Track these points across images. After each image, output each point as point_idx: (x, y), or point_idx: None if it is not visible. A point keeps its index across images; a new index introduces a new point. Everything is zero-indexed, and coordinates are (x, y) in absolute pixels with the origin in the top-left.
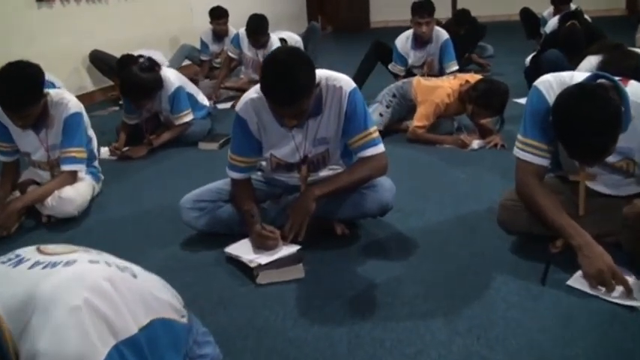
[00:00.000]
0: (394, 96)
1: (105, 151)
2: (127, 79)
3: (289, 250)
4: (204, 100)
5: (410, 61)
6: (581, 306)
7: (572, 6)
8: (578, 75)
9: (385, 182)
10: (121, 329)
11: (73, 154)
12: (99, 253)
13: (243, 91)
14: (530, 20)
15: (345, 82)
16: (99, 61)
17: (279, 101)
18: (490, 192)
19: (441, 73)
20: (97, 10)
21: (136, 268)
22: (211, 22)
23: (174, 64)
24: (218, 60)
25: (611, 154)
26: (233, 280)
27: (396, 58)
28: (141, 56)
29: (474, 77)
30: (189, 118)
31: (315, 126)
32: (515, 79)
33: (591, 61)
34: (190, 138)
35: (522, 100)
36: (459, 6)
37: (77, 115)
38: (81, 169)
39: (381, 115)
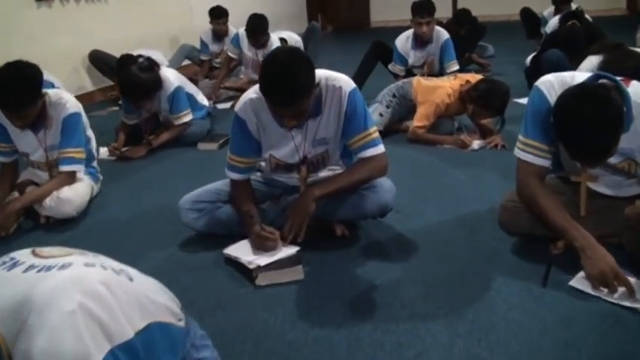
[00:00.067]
0: (394, 96)
1: (104, 152)
2: (126, 79)
3: (288, 251)
4: (203, 100)
5: (410, 61)
6: (583, 308)
7: (573, 5)
8: (580, 75)
9: (385, 183)
10: (117, 333)
11: (72, 155)
12: (95, 256)
13: (242, 91)
14: (530, 20)
15: (345, 82)
16: (98, 61)
17: (279, 101)
18: (491, 193)
19: (441, 73)
20: (96, 9)
21: (132, 271)
22: (211, 22)
23: (174, 63)
24: (218, 60)
25: (613, 155)
26: (232, 282)
27: (396, 58)
28: (140, 56)
29: (474, 77)
30: (188, 118)
31: (315, 126)
32: (515, 79)
33: (592, 61)
34: (190, 138)
35: (523, 100)
36: (460, 6)
37: (75, 116)
38: (79, 169)
39: (381, 115)
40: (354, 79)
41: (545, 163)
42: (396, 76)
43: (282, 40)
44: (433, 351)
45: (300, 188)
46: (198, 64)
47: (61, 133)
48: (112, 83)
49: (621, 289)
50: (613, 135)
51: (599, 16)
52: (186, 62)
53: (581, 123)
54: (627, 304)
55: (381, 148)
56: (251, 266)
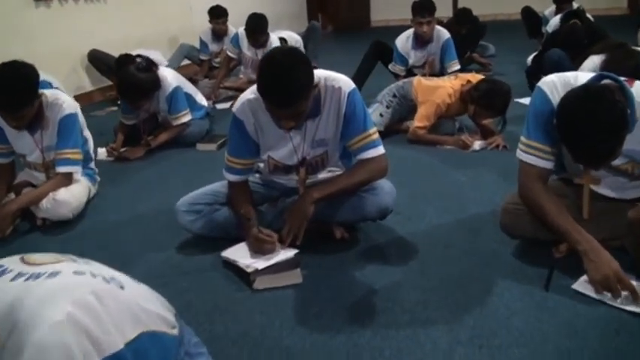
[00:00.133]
0: (394, 96)
1: (102, 152)
2: (124, 79)
3: (287, 254)
4: (202, 100)
5: (411, 61)
6: (586, 313)
7: (574, 5)
8: (583, 75)
9: (385, 185)
10: (106, 344)
11: (68, 156)
12: (86, 262)
13: (242, 90)
14: (531, 19)
15: (344, 82)
16: (97, 60)
17: (276, 103)
18: (492, 194)
19: (442, 72)
20: (95, 9)
21: (124, 278)
22: (211, 22)
23: (174, 63)
24: (218, 59)
25: (617, 157)
26: (229, 286)
27: (397, 58)
28: (139, 56)
29: (475, 77)
30: (187, 118)
31: (314, 127)
32: (516, 78)
33: (594, 61)
34: (188, 139)
35: (524, 100)
36: (460, 5)
37: (72, 116)
38: (76, 170)
39: (381, 115)
40: (354, 79)
41: (548, 165)
42: (397, 76)
43: (282, 39)
44: (433, 358)
45: (299, 190)
46: (197, 63)
47: (57, 133)
48: (110, 83)
49: (625, 294)
50: (617, 137)
51: (599, 15)
52: (186, 62)
53: (585, 125)
54: (631, 308)
55: (380, 150)
56: (248, 270)
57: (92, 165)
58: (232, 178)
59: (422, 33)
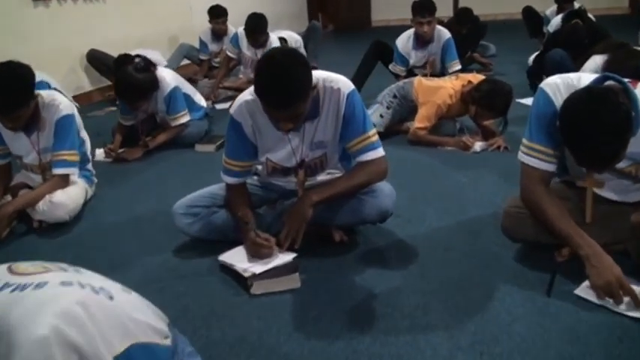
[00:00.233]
0: (395, 97)
1: (100, 153)
2: (121, 79)
3: (285, 258)
4: (201, 100)
5: (411, 62)
6: (589, 319)
7: (576, 4)
8: (586, 77)
9: (385, 187)
10: (94, 358)
11: (65, 157)
12: (76, 271)
13: (241, 90)
14: (532, 19)
15: (343, 83)
16: (96, 60)
17: (274, 104)
18: (493, 196)
19: (442, 72)
20: (94, 8)
21: (114, 288)
22: (210, 21)
23: (173, 63)
24: (217, 59)
25: (621, 161)
26: (226, 290)
27: (397, 58)
28: (138, 56)
29: (476, 77)
30: (185, 119)
31: (312, 129)
32: (517, 78)
33: (596, 61)
34: (187, 139)
35: (525, 101)
36: (461, 4)
37: (69, 117)
38: (73, 172)
39: (381, 116)
40: (354, 79)
41: (550, 167)
42: (397, 77)
43: (282, 39)
44: None
45: (298, 192)
46: (197, 63)
47: (54, 135)
48: (110, 83)
49: (627, 299)
50: (621, 140)
51: (601, 15)
52: (186, 62)
53: (589, 127)
54: (633, 314)
55: (380, 152)
56: (246, 274)
57: (89, 166)
58: (230, 180)
59: (422, 33)
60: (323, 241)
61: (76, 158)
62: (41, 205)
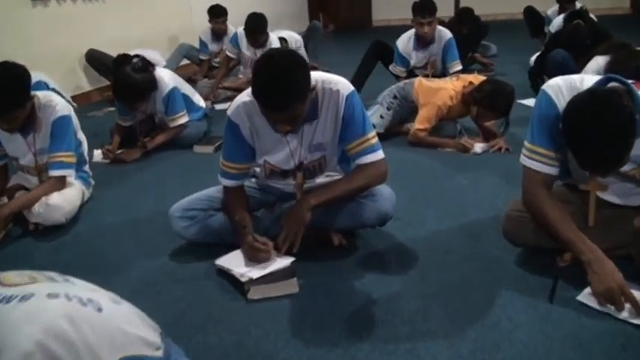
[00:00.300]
0: (395, 97)
1: (97, 154)
2: (119, 80)
3: (283, 262)
4: (200, 101)
5: (412, 62)
6: (592, 326)
7: (577, 4)
8: (589, 78)
9: (384, 190)
10: None
11: (61, 159)
12: (65, 280)
13: (241, 91)
14: (534, 19)
15: (342, 84)
16: (95, 60)
17: (272, 106)
18: (494, 199)
19: (444, 73)
20: (93, 8)
21: (104, 299)
22: (210, 21)
23: (173, 63)
24: (217, 59)
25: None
26: (223, 295)
27: (397, 59)
28: (137, 56)
29: (477, 78)
30: (184, 119)
31: (311, 131)
32: (519, 79)
33: (599, 62)
34: (185, 140)
35: (526, 101)
36: (462, 4)
37: (65, 118)
38: (70, 174)
39: (381, 117)
40: (354, 79)
41: (553, 170)
42: (397, 77)
43: (282, 39)
44: None
45: (296, 195)
46: (197, 63)
47: (50, 136)
48: (109, 83)
49: (628, 306)
50: (626, 143)
51: (602, 15)
52: (185, 62)
53: (592, 131)
54: (637, 321)
55: (380, 154)
56: (243, 279)
57: (86, 168)
58: (227, 183)
59: (423, 34)
60: (322, 244)
61: (73, 160)
62: (37, 208)
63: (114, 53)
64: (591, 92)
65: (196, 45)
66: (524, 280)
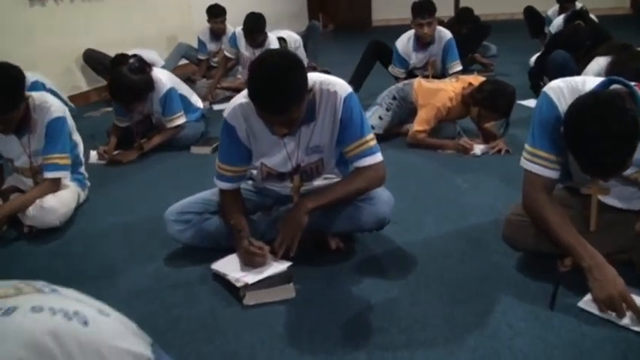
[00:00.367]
0: (394, 98)
1: (94, 155)
2: (115, 80)
3: (279, 267)
4: (197, 101)
5: (412, 63)
6: (593, 334)
7: (578, 4)
8: (591, 80)
9: (383, 194)
10: None
11: (56, 161)
12: (53, 291)
13: (240, 91)
14: (534, 19)
15: (340, 86)
16: (93, 60)
17: (268, 109)
18: (494, 200)
19: (443, 73)
20: (91, 8)
21: (91, 311)
22: (209, 21)
23: (171, 63)
24: (216, 59)
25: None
26: (218, 301)
27: (396, 60)
28: (135, 56)
29: (477, 79)
30: (181, 120)
31: (309, 133)
32: (519, 79)
33: (600, 63)
34: (183, 141)
35: (526, 102)
36: (462, 4)
37: (60, 120)
38: (65, 175)
39: (380, 118)
40: (352, 79)
41: (554, 174)
42: (397, 78)
43: (281, 39)
44: None
45: (293, 198)
46: (195, 63)
47: (45, 137)
48: (106, 83)
49: (630, 313)
50: (629, 147)
51: (602, 15)
52: (184, 61)
53: (595, 134)
54: (638, 329)
55: (378, 157)
56: (238, 284)
57: (82, 169)
58: (223, 185)
59: (423, 35)
60: (319, 248)
61: (68, 161)
62: (32, 210)
63: (112, 53)
64: (594, 95)
65: (195, 45)
66: (524, 285)
